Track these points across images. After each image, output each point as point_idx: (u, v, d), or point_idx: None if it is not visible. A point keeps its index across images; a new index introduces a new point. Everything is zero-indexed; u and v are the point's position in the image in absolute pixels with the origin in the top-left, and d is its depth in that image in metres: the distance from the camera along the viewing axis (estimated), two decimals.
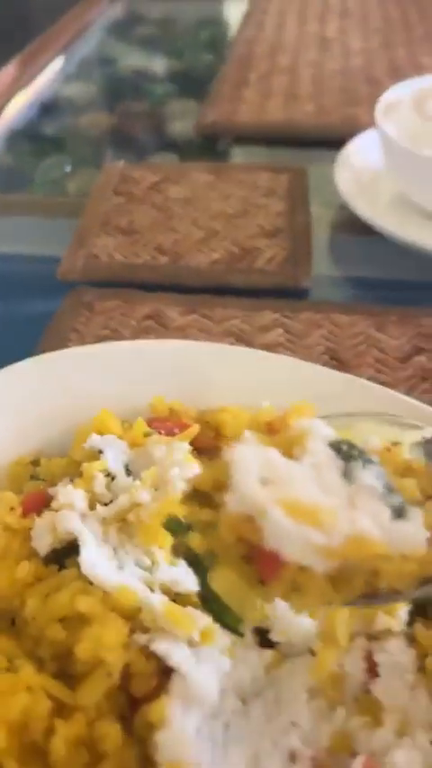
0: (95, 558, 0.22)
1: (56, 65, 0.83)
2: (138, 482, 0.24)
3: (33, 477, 0.28)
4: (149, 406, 0.30)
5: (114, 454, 0.26)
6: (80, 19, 0.94)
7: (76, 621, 0.20)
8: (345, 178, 0.50)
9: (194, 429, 0.28)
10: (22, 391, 0.31)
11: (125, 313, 0.42)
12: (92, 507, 0.24)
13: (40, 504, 0.25)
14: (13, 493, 0.27)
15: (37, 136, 0.71)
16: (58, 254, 0.51)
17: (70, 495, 0.24)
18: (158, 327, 0.41)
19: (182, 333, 0.40)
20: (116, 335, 0.41)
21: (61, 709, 0.19)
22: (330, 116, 0.63)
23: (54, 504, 0.24)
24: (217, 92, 0.68)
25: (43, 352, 0.39)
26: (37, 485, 0.27)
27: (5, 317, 0.47)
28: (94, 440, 0.26)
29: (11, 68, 0.80)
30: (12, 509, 0.24)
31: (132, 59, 0.87)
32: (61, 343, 0.40)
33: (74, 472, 0.27)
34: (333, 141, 0.58)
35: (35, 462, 0.29)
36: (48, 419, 0.31)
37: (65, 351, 0.34)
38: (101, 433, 0.27)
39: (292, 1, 0.90)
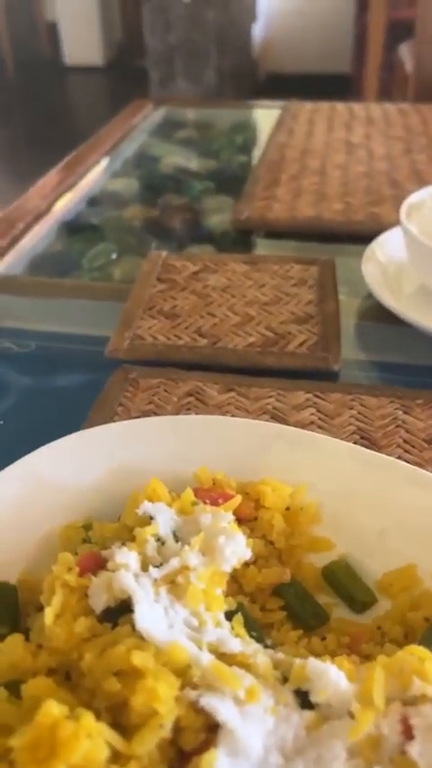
0: (148, 616, 0.24)
1: (103, 163, 0.91)
2: (186, 547, 0.26)
3: (86, 541, 0.30)
4: (193, 476, 0.32)
5: (164, 520, 0.28)
6: (125, 123, 1.03)
7: (130, 675, 0.22)
8: (371, 271, 0.54)
9: (237, 500, 0.30)
10: (75, 461, 0.34)
11: (168, 390, 0.45)
12: (143, 569, 0.26)
13: (95, 564, 0.27)
14: (66, 551, 0.29)
15: (84, 226, 0.77)
16: (104, 334, 0.55)
17: (126, 557, 0.26)
18: (198, 404, 0.44)
19: (220, 410, 0.43)
20: (160, 410, 0.44)
21: (117, 758, 0.21)
22: (357, 214, 0.68)
23: (109, 565, 0.26)
24: (251, 190, 0.75)
25: (92, 423, 0.42)
26: (90, 547, 0.29)
27: (56, 389, 0.51)
28: (146, 507, 0.29)
29: (62, 167, 0.88)
30: (69, 569, 0.26)
31: (172, 159, 0.95)
32: (109, 416, 0.43)
33: (124, 536, 0.29)
34: (359, 237, 0.63)
35: (87, 527, 0.31)
36: (97, 487, 0.34)
37: (114, 424, 0.36)
38: (151, 501, 0.29)
39: (321, 110, 0.98)
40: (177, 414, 0.43)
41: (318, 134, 0.89)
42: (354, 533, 0.31)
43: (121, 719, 0.22)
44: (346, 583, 0.30)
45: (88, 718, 0.20)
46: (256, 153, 0.93)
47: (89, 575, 0.26)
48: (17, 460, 0.34)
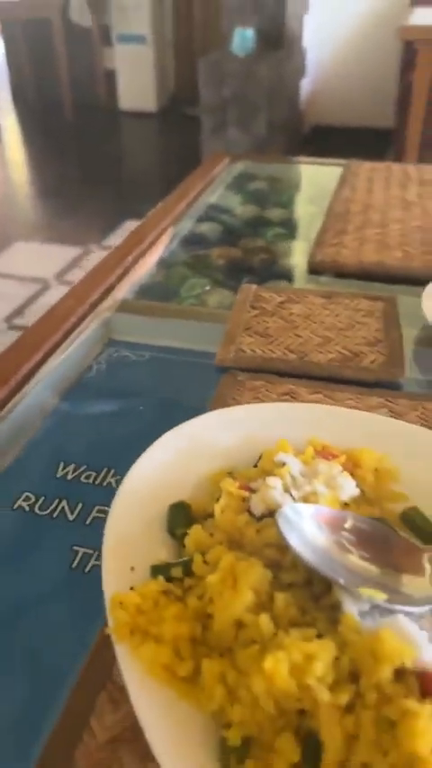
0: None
1: (189, 209, 1.06)
2: (315, 480, 0.39)
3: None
4: (308, 442, 0.44)
5: (294, 465, 0.41)
6: (205, 175, 1.19)
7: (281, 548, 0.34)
8: (429, 306, 0.67)
9: (343, 457, 0.42)
10: (220, 428, 0.47)
11: (268, 390, 0.58)
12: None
13: (247, 489, 0.39)
14: (215, 485, 0.42)
15: (179, 262, 0.92)
16: (205, 348, 0.69)
17: (274, 482, 0.38)
18: (293, 401, 0.56)
19: None
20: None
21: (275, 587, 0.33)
22: (414, 261, 0.81)
23: (262, 486, 0.38)
24: (322, 237, 0.88)
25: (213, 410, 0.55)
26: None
27: (172, 387, 0.64)
28: (281, 456, 0.41)
29: (156, 212, 1.03)
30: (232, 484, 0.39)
31: (248, 207, 1.10)
32: (225, 406, 0.56)
33: (263, 475, 0.41)
34: (415, 280, 0.76)
35: (230, 473, 0.44)
36: (233, 447, 0.46)
37: (245, 406, 0.49)
38: (278, 452, 0.42)
39: (378, 169, 1.13)
40: None
41: (377, 191, 1.03)
42: (422, 491, 0.43)
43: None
44: (420, 523, 0.41)
45: (255, 560, 0.32)
46: (321, 205, 1.07)
47: (244, 491, 0.39)
48: (181, 424, 0.47)
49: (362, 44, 4.27)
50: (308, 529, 0.33)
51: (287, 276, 0.88)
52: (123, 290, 0.82)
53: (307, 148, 4.32)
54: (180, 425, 0.46)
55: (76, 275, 2.83)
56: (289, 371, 0.61)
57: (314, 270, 0.84)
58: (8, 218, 3.54)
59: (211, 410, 0.56)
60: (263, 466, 0.42)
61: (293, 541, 0.32)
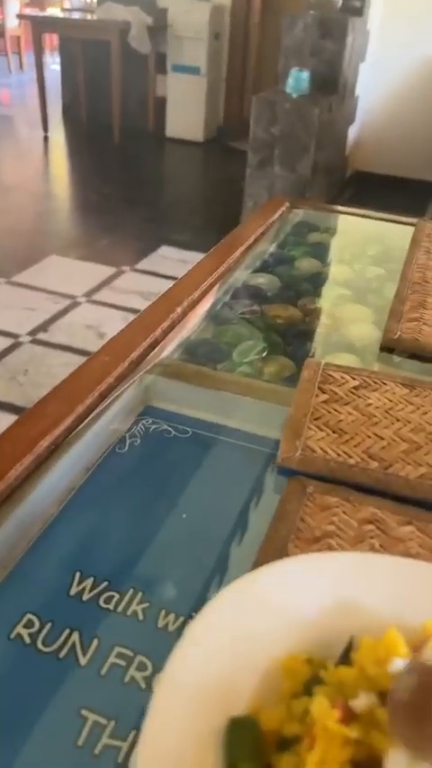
0: None
1: (245, 258, 0.96)
2: None
3: (319, 681, 0.30)
4: (423, 627, 0.32)
5: None
6: (263, 220, 1.09)
7: None
8: None
9: None
10: (297, 588, 0.35)
11: (346, 512, 0.46)
12: None
13: (347, 715, 0.27)
14: (292, 685, 0.30)
15: (232, 318, 0.81)
16: (259, 432, 0.58)
17: None
18: (379, 533, 0.44)
19: (404, 544, 0.43)
20: (342, 533, 0.44)
21: None
22: None
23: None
24: (398, 309, 0.77)
25: (277, 534, 0.43)
26: (329, 690, 0.29)
27: (221, 481, 0.52)
28: (397, 664, 0.29)
29: (212, 256, 0.93)
30: (329, 716, 0.26)
31: (307, 261, 0.99)
32: (293, 530, 0.44)
33: (365, 685, 0.29)
34: None
35: (310, 661, 0.31)
36: (315, 617, 0.34)
37: (332, 554, 0.37)
38: (390, 653, 0.30)
39: None
40: (360, 541, 0.43)
41: None
42: None
43: None
44: None
45: None
46: (388, 266, 0.96)
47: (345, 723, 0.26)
48: (238, 579, 0.35)
49: (412, 97, 4.26)
50: None
51: (355, 349, 0.76)
52: (168, 348, 0.70)
53: (347, 192, 4.27)
54: (237, 583, 0.34)
55: (106, 295, 2.74)
56: (370, 486, 0.49)
57: (389, 347, 0.72)
58: (46, 231, 3.49)
59: (271, 530, 0.44)
60: (362, 665, 0.30)
61: None
